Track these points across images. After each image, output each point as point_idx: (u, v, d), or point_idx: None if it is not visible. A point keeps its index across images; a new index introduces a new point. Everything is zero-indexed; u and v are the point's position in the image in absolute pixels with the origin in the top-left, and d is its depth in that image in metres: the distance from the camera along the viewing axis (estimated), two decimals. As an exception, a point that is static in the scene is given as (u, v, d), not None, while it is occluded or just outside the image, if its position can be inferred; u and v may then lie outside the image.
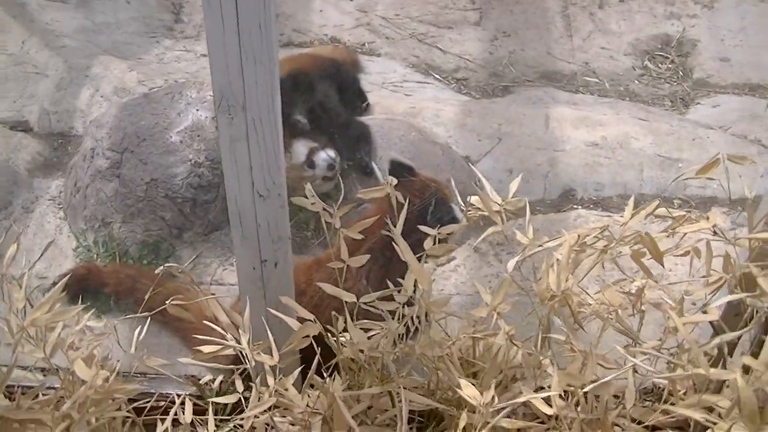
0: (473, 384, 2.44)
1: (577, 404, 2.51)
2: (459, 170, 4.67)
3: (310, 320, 2.60)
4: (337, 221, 2.64)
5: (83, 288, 4.01)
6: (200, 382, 3.10)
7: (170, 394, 2.96)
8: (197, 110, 4.42)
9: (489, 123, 4.95)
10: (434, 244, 2.68)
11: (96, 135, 4.52)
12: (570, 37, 5.76)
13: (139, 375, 3.02)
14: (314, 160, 4.38)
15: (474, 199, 2.67)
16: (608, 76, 5.58)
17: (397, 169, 3.39)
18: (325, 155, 4.40)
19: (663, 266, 2.57)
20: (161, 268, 2.72)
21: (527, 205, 2.65)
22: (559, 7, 5.92)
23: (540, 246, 2.64)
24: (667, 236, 2.59)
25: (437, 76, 5.56)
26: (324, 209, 2.63)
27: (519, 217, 2.77)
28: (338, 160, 4.42)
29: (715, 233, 2.51)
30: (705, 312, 2.45)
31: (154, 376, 3.07)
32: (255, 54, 2.14)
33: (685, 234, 2.57)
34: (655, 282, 2.61)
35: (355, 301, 2.60)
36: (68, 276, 3.38)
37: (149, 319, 2.82)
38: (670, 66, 5.55)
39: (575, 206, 4.58)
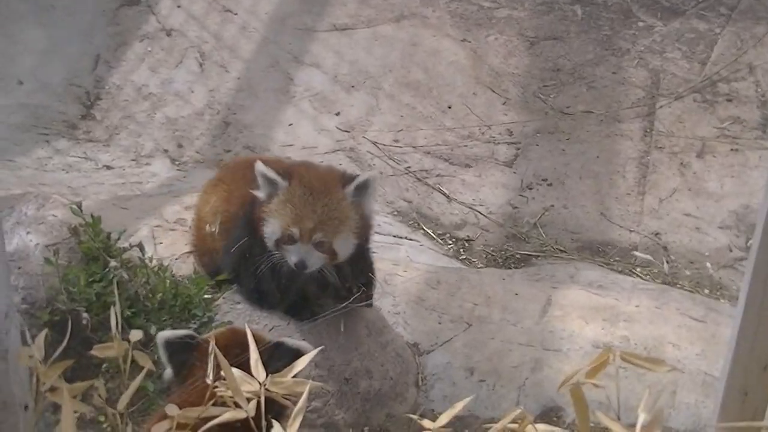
0: None
1: None
2: (391, 361, 3.89)
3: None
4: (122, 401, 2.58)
5: None
6: None
7: None
8: (27, 233, 4.16)
9: (460, 301, 4.19)
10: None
11: None
12: (641, 195, 4.95)
13: None
14: None
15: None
16: (686, 255, 4.82)
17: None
18: None
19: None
20: None
21: (306, 391, 2.31)
22: (637, 150, 5.24)
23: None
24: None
25: (429, 232, 4.90)
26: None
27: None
28: None
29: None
30: None
31: None
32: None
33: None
34: None
35: None
36: None
37: None
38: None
39: (559, 435, 3.58)
